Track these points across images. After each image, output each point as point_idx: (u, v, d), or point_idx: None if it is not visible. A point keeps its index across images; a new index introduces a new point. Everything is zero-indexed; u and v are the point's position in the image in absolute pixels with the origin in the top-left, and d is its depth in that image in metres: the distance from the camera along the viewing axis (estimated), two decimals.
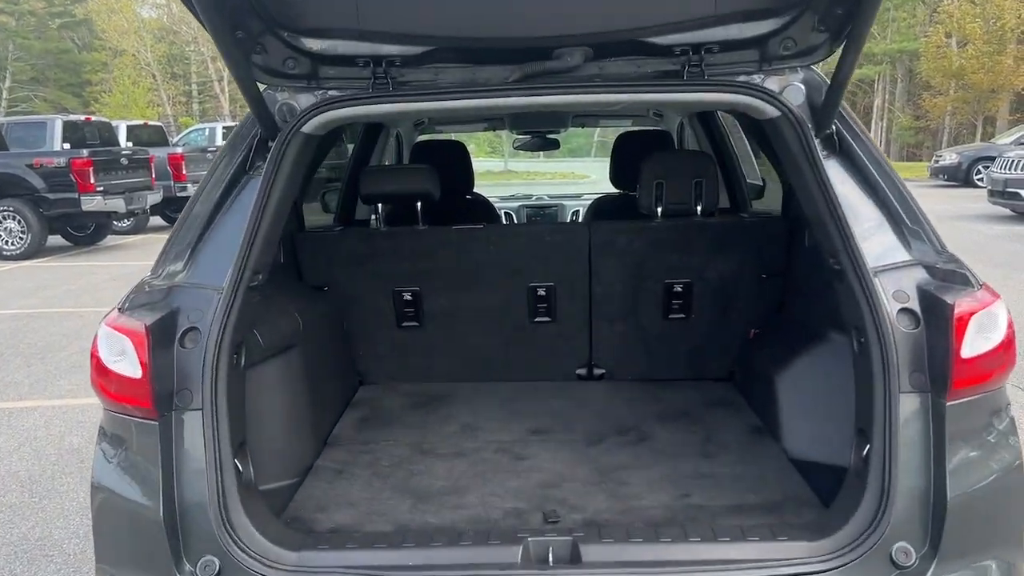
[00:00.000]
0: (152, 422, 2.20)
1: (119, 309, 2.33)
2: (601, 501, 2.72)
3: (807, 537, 2.15)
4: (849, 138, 2.47)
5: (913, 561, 2.06)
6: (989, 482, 2.13)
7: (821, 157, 2.40)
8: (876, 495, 2.12)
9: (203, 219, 2.50)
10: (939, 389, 2.11)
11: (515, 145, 6.62)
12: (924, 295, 2.19)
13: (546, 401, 3.72)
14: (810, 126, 2.44)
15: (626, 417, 3.51)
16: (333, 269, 3.79)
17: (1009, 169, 15.38)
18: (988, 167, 17.54)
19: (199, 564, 2.13)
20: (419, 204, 3.77)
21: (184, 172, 17.05)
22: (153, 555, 2.16)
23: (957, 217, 15.80)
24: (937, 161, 24.52)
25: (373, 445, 3.30)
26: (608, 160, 4.77)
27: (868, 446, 2.21)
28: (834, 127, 2.45)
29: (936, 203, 17.39)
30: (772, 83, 2.52)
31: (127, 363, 2.20)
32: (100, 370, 2.27)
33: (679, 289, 3.77)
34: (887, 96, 46.94)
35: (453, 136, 6.81)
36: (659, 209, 3.66)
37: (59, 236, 15.09)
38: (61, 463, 4.99)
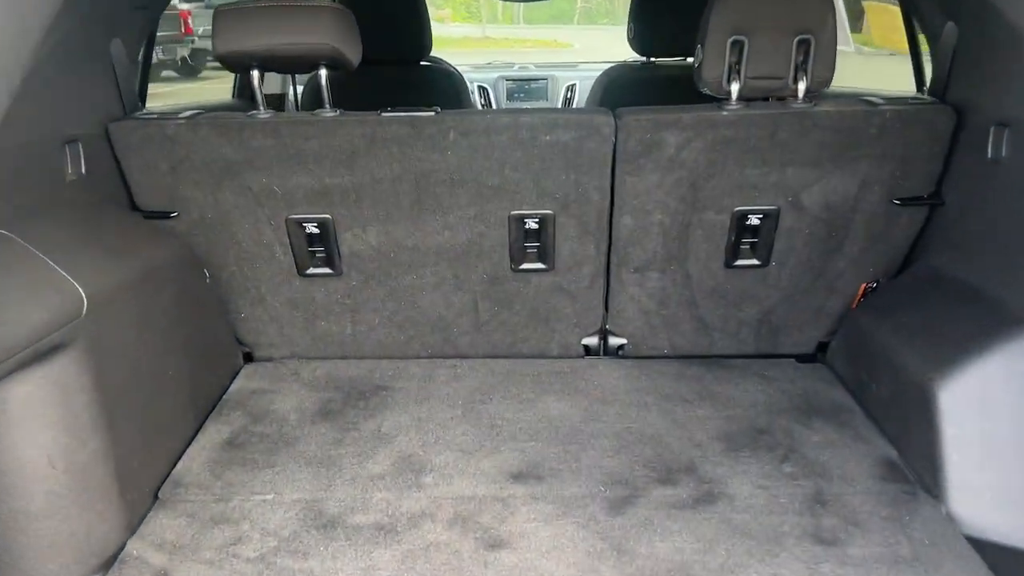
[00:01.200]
0: None
1: None
2: None
3: None
4: None
5: None
6: None
7: None
8: None
9: None
10: None
11: None
12: None
13: (537, 401, 2.34)
14: None
15: (670, 439, 2.14)
16: (183, 183, 2.29)
17: None
18: None
19: None
20: (324, 73, 2.24)
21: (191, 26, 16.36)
22: None
23: None
24: None
25: (237, 503, 1.92)
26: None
27: None
28: None
29: None
30: None
31: None
32: None
33: (755, 221, 2.34)
34: None
35: None
36: (734, 87, 2.17)
37: None
38: None
